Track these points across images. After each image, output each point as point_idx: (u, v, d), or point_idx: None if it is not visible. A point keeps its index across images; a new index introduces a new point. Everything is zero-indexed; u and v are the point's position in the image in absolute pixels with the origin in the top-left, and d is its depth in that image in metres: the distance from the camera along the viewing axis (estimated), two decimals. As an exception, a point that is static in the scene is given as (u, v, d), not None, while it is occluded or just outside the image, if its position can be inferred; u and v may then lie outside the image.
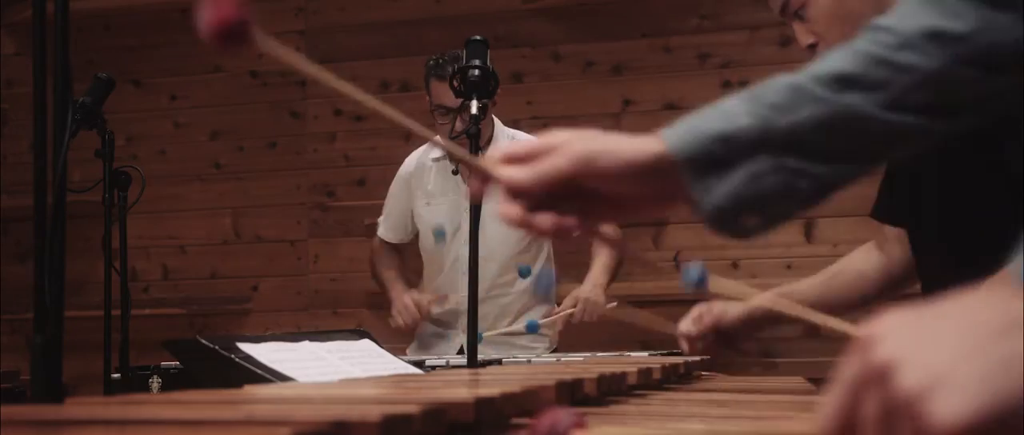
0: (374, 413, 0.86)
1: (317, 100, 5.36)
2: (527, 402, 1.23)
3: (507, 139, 3.73)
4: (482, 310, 3.69)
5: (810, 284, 2.46)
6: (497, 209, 3.28)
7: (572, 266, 3.86)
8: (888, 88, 1.02)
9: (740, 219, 1.01)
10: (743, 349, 2.40)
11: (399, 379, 1.75)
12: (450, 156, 3.23)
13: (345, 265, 5.28)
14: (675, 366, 2.14)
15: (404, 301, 3.62)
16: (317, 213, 5.35)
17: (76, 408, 0.99)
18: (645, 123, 5.49)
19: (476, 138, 2.73)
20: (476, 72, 2.75)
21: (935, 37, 1.03)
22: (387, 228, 3.87)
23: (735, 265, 4.78)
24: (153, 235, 5.39)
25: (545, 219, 1.04)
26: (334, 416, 0.83)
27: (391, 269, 3.81)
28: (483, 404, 1.07)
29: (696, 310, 2.42)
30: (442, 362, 3.01)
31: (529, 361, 3.12)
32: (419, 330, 3.76)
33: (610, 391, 1.59)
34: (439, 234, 3.56)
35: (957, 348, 0.63)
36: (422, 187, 3.70)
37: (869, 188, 4.66)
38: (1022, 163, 1.62)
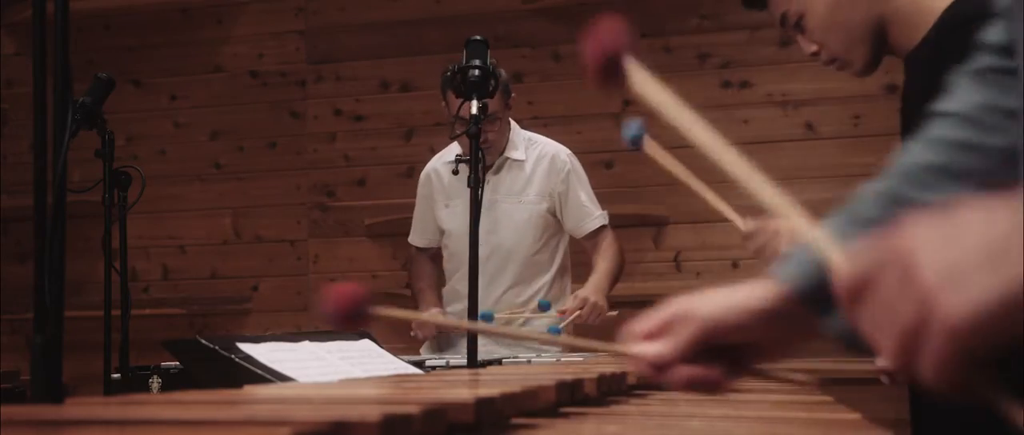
0: (374, 413, 0.86)
1: (317, 100, 5.36)
2: (527, 402, 1.23)
3: (524, 142, 3.73)
4: (497, 308, 3.72)
5: None
6: (511, 211, 3.32)
7: (577, 265, 3.87)
8: (976, 170, 1.07)
9: None
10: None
11: (399, 379, 1.75)
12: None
13: (345, 265, 5.28)
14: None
15: (422, 318, 3.65)
16: (317, 213, 5.35)
17: (76, 408, 0.99)
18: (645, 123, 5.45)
19: (476, 138, 2.73)
20: (476, 72, 2.75)
21: (1002, 113, 1.08)
22: (417, 234, 3.93)
23: (735, 265, 4.78)
24: (153, 235, 5.39)
25: (692, 372, 1.08)
26: (334, 416, 0.83)
27: (422, 280, 3.89)
28: (483, 404, 1.07)
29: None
30: (442, 362, 3.01)
31: (529, 361, 3.12)
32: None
33: (610, 391, 1.59)
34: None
35: (973, 252, 0.71)
36: (441, 190, 3.73)
37: (869, 188, 4.66)
38: None
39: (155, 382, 2.85)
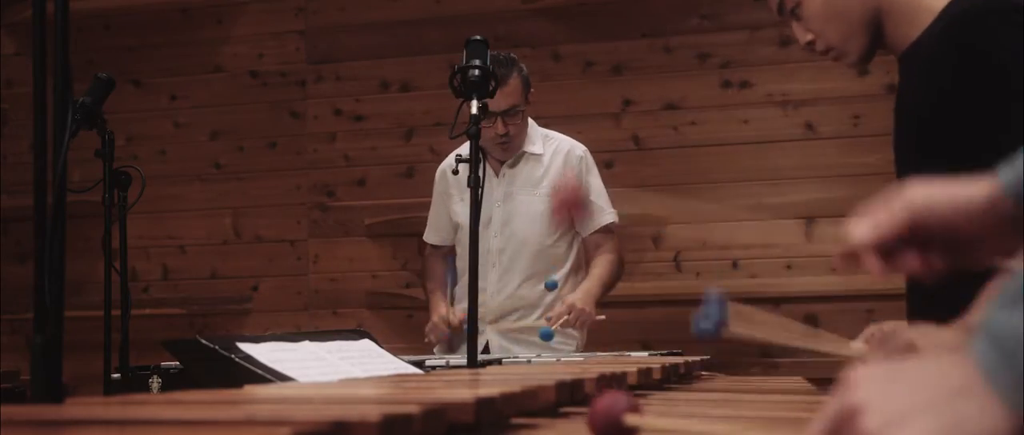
0: (374, 413, 0.86)
1: (317, 100, 5.36)
2: (527, 402, 1.23)
3: (541, 137, 3.77)
4: (510, 303, 3.72)
5: None
6: (527, 202, 3.33)
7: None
8: None
9: None
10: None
11: (399, 379, 1.75)
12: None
13: (345, 265, 5.28)
14: (675, 366, 2.14)
15: (434, 321, 3.70)
16: (317, 213, 5.35)
17: (76, 408, 0.99)
18: (645, 123, 5.53)
19: (476, 138, 2.74)
20: (476, 72, 2.75)
21: None
22: (432, 232, 3.94)
23: (735, 265, 4.78)
24: (153, 235, 5.39)
25: (911, 259, 1.10)
26: (334, 416, 0.83)
27: (433, 280, 3.88)
28: (483, 404, 1.07)
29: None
30: (442, 362, 3.01)
31: (529, 361, 3.12)
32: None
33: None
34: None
35: (916, 401, 0.76)
36: (456, 185, 3.73)
37: (868, 188, 4.66)
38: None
39: (155, 382, 2.85)
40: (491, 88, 2.79)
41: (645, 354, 3.18)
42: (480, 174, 2.76)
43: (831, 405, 0.81)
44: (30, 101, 2.02)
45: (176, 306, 5.40)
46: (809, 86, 4.74)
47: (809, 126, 4.78)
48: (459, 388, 1.36)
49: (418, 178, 5.00)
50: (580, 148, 3.78)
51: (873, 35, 2.08)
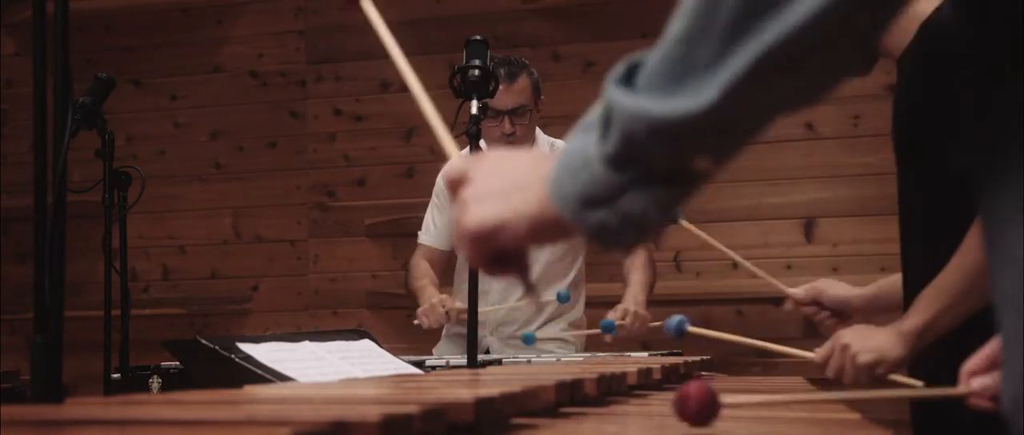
0: (374, 413, 0.86)
1: (317, 100, 5.36)
2: (527, 402, 1.23)
3: (547, 145, 3.74)
4: (511, 315, 3.70)
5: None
6: None
7: (598, 264, 3.85)
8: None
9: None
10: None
11: (399, 379, 1.75)
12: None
13: (345, 265, 5.28)
14: (675, 366, 2.14)
15: (431, 302, 3.59)
16: (317, 213, 5.35)
17: (76, 408, 0.99)
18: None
19: (476, 138, 2.73)
20: (476, 72, 2.74)
21: None
22: (431, 236, 3.85)
23: (735, 266, 4.78)
24: (153, 235, 5.39)
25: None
26: (334, 416, 0.83)
27: (424, 278, 3.78)
28: (483, 404, 1.07)
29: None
30: (442, 362, 3.01)
31: (529, 361, 3.12)
32: (446, 330, 3.75)
33: (610, 391, 1.59)
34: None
35: (497, 186, 1.02)
36: None
37: (869, 188, 4.67)
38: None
39: (155, 382, 2.85)
40: (491, 88, 2.79)
41: (645, 354, 3.18)
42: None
43: (468, 162, 1.07)
44: (30, 101, 2.02)
45: (176, 306, 5.40)
46: (809, 86, 4.74)
47: (809, 126, 4.78)
48: (459, 388, 1.36)
49: (418, 178, 5.00)
50: None
51: None
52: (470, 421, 1.04)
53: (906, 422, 2.19)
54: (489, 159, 1.07)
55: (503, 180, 1.02)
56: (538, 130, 3.77)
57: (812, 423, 1.32)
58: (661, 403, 1.54)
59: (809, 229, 4.72)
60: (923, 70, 2.02)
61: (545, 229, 1.00)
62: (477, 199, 1.03)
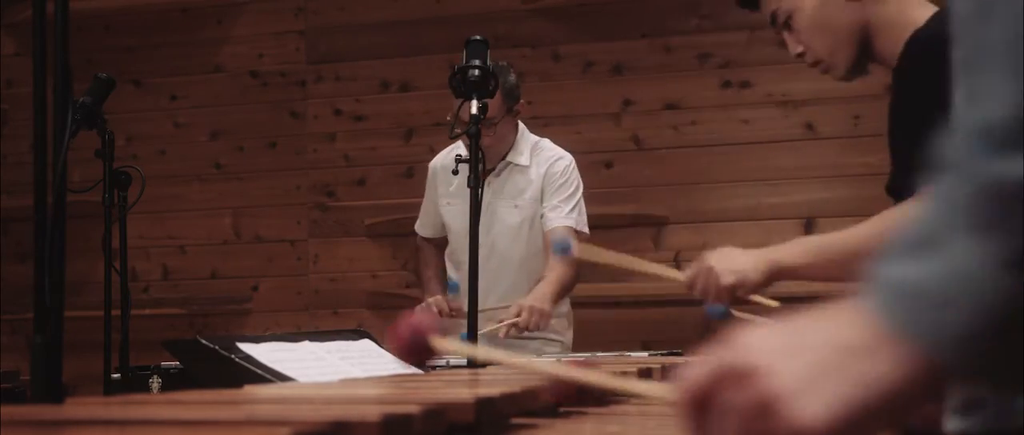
0: (374, 413, 0.86)
1: (317, 100, 5.36)
2: (527, 402, 1.23)
3: (529, 147, 3.71)
4: (495, 314, 3.69)
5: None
6: (505, 215, 3.34)
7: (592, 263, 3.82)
8: None
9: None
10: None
11: (399, 379, 1.75)
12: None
13: (345, 265, 5.28)
14: (675, 366, 2.14)
15: (427, 302, 3.67)
16: (317, 213, 5.35)
17: (76, 408, 0.99)
18: (645, 123, 5.51)
19: (476, 138, 2.73)
20: (476, 72, 2.75)
21: None
22: (422, 224, 3.94)
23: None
24: (153, 235, 5.39)
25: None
26: (334, 416, 0.83)
27: (429, 268, 3.88)
28: (483, 404, 1.07)
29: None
30: (442, 362, 3.01)
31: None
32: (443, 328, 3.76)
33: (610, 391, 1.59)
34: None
35: (819, 363, 0.73)
36: (444, 186, 3.71)
37: (868, 188, 4.65)
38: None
39: (155, 382, 2.85)
40: (491, 88, 2.79)
41: (645, 354, 3.18)
42: (477, 175, 2.75)
43: (717, 360, 0.76)
44: (30, 101, 2.02)
45: (176, 306, 5.40)
46: (809, 86, 4.73)
47: (809, 126, 4.78)
48: (459, 388, 1.36)
49: (418, 178, 4.99)
50: (566, 158, 3.71)
51: (861, 49, 2.11)
52: (470, 421, 1.04)
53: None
54: (768, 341, 0.76)
55: (815, 355, 0.73)
56: (523, 131, 3.75)
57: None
58: (661, 403, 1.54)
59: (809, 229, 4.72)
60: (907, 82, 2.02)
61: (915, 397, 0.73)
62: (794, 391, 0.72)
